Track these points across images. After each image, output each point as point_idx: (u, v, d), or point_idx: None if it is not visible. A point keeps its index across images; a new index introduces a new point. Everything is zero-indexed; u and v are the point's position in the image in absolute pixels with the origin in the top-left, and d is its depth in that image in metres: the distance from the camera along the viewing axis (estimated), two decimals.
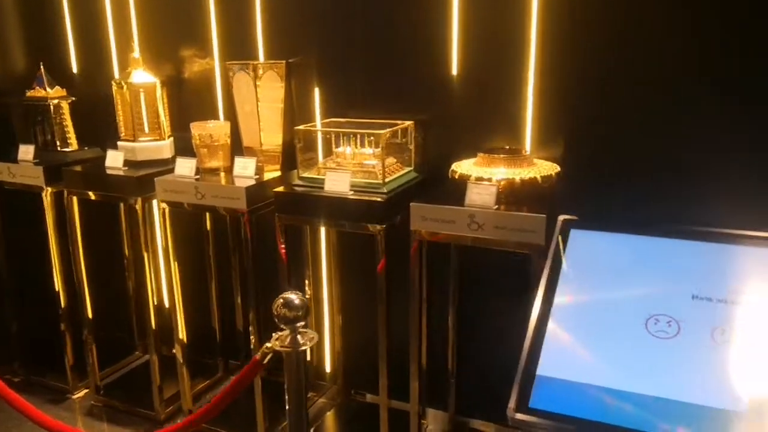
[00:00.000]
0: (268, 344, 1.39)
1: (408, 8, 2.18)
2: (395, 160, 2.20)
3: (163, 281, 2.92)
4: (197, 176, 2.30)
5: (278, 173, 2.36)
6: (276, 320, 1.37)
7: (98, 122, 2.90)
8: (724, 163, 1.80)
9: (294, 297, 1.36)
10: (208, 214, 2.71)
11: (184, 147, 2.66)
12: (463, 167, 1.97)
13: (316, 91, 2.42)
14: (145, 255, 2.45)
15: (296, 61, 2.38)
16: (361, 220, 1.98)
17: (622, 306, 1.38)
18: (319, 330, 2.62)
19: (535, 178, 1.82)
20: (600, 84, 1.94)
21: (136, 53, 2.56)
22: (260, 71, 2.25)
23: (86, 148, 2.84)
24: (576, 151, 2.02)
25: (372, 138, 2.15)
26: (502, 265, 2.21)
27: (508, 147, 2.06)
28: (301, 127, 2.18)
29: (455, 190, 1.95)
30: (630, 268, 1.44)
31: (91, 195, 2.49)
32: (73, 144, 2.80)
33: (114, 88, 2.53)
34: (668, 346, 1.29)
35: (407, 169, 2.23)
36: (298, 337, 1.35)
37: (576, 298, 1.42)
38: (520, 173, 1.84)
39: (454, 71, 2.15)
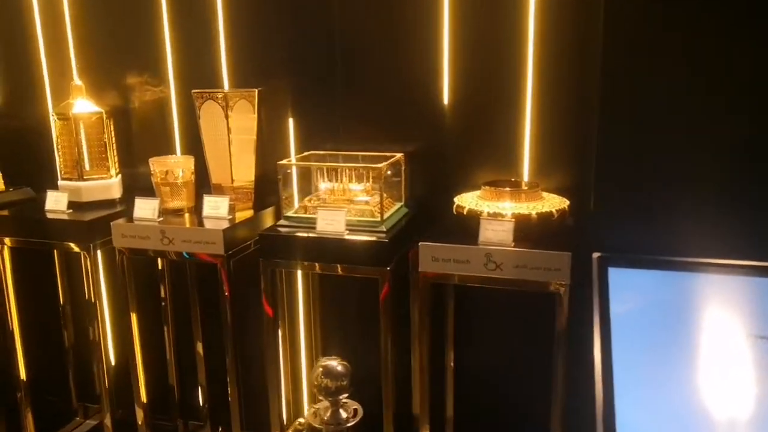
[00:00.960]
0: (302, 419, 1.18)
1: (394, 31, 2.05)
2: (386, 196, 2.05)
3: (110, 336, 2.60)
4: (160, 218, 2.03)
5: (250, 213, 2.14)
6: (316, 391, 1.16)
7: (26, 159, 2.57)
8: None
9: (335, 364, 1.16)
10: (160, 260, 2.42)
11: (132, 186, 2.39)
12: (466, 201, 1.84)
13: (290, 122, 2.23)
14: (97, 307, 2.14)
15: (268, 88, 2.18)
16: (362, 262, 1.81)
17: (688, 352, 1.29)
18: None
19: (551, 212, 1.72)
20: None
21: (77, 80, 2.26)
22: (232, 100, 2.03)
23: (12, 189, 2.48)
24: (578, 182, 1.94)
25: (361, 172, 1.99)
26: (504, 306, 2.10)
27: (513, 179, 1.96)
28: (284, 161, 1.98)
29: (459, 227, 1.82)
30: (685, 309, 1.36)
31: (28, 243, 2.16)
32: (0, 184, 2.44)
33: (53, 120, 2.22)
34: (746, 391, 1.20)
35: (398, 204, 2.08)
36: (341, 411, 1.15)
37: (637, 345, 1.31)
38: (533, 207, 1.74)
39: (446, 100, 2.04)
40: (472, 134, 2.04)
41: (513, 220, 1.69)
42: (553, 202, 1.79)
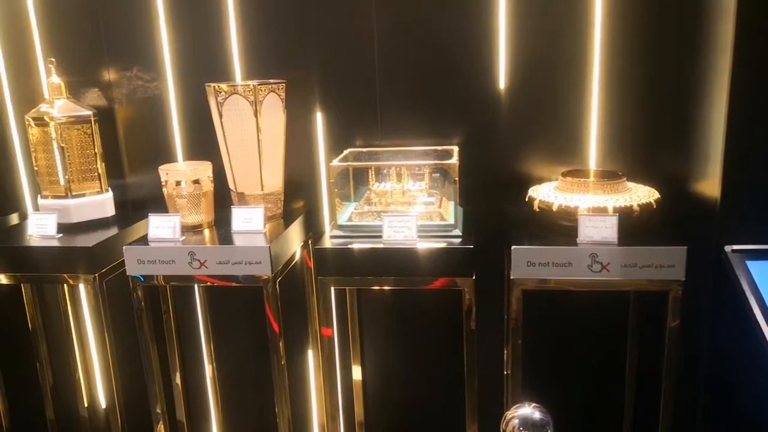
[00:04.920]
0: None
1: (441, 8, 1.82)
2: (441, 195, 1.83)
3: (98, 376, 2.24)
4: (182, 238, 1.72)
5: (282, 224, 1.86)
6: None
7: None
8: None
9: (531, 411, 0.95)
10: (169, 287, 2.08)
11: (121, 201, 2.05)
12: (543, 195, 1.66)
13: (318, 117, 1.95)
14: (108, 348, 1.79)
15: (293, 79, 1.88)
16: (441, 273, 1.58)
17: None
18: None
19: (650, 203, 1.57)
20: (678, 92, 1.74)
21: (55, 77, 1.88)
22: (260, 94, 1.73)
23: None
24: (652, 169, 1.81)
25: (417, 170, 1.77)
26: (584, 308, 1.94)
27: (597, 169, 1.79)
28: (336, 162, 1.71)
29: (539, 225, 1.64)
30: None
31: (18, 278, 1.78)
32: None
33: (29, 125, 1.83)
34: None
35: (451, 203, 1.86)
36: None
37: None
38: (630, 199, 1.58)
39: (502, 84, 1.84)
40: (530, 122, 1.86)
41: (617, 214, 1.53)
42: (644, 193, 1.64)
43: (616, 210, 1.54)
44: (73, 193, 1.86)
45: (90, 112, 1.87)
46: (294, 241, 1.86)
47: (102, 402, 2.29)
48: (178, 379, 2.17)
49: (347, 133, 1.95)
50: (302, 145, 1.97)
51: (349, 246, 1.62)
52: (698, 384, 1.60)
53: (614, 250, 1.50)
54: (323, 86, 1.92)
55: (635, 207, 1.55)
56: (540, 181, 1.86)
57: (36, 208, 1.91)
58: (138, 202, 2.09)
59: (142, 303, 1.74)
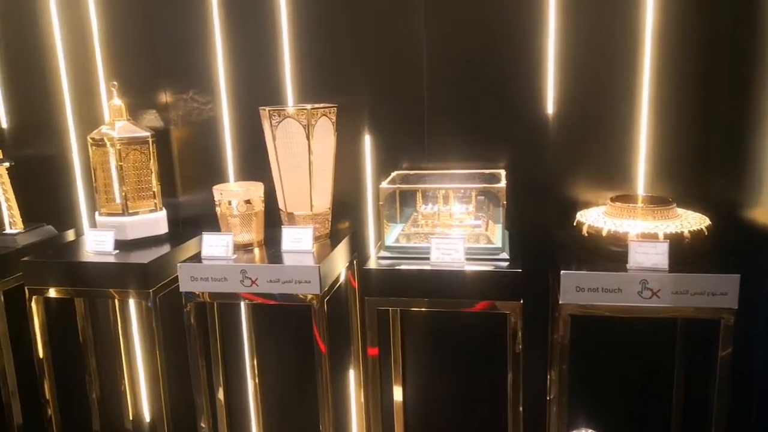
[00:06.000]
0: None
1: (490, 32, 1.85)
2: (487, 218, 1.85)
3: (144, 390, 2.30)
4: (234, 256, 1.76)
5: (328, 243, 1.89)
6: None
7: (42, 193, 2.22)
8: None
9: None
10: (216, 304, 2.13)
11: (174, 219, 2.11)
12: (592, 220, 1.66)
13: (366, 140, 1.99)
14: (159, 366, 1.83)
15: (343, 103, 1.93)
16: (489, 296, 1.59)
17: None
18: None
19: (701, 230, 1.56)
20: (729, 116, 1.74)
21: (117, 99, 1.96)
22: (313, 118, 1.78)
23: (30, 228, 2.13)
24: (708, 195, 1.79)
25: (464, 193, 1.79)
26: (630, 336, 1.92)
27: (646, 194, 1.79)
28: (386, 184, 1.74)
29: (590, 250, 1.64)
30: None
31: (64, 292, 1.85)
32: (18, 223, 2.09)
33: (91, 145, 1.91)
34: None
35: (498, 226, 1.87)
36: None
37: None
38: (681, 225, 1.57)
39: (550, 109, 1.85)
40: (578, 146, 1.86)
41: (667, 240, 1.52)
42: (695, 219, 1.63)
43: (666, 236, 1.53)
44: (129, 211, 1.93)
45: (148, 134, 1.94)
46: (340, 261, 1.89)
47: (146, 415, 2.34)
48: (221, 395, 2.21)
49: (394, 156, 1.99)
50: (350, 167, 2.01)
51: (398, 267, 1.64)
52: (750, 413, 1.56)
53: (665, 277, 1.49)
54: (372, 110, 1.97)
55: (686, 233, 1.54)
56: (587, 205, 1.86)
57: (92, 224, 1.99)
58: (189, 220, 2.15)
59: (193, 319, 1.79)
